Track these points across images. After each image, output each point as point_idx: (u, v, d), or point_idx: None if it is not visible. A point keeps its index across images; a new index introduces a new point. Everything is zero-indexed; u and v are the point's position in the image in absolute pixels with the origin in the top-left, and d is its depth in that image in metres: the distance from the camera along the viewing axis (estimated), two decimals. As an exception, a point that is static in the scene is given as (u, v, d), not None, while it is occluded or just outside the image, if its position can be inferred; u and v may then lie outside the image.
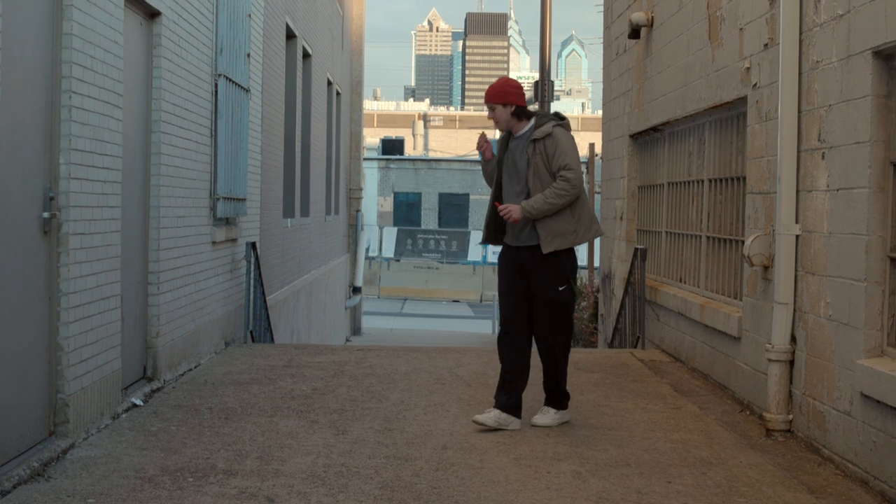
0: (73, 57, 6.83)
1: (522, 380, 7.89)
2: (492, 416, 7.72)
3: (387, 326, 34.50)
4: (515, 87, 8.04)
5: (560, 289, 7.85)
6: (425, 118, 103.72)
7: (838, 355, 6.92)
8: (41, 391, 6.67)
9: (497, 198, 8.03)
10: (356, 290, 29.53)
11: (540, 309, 7.86)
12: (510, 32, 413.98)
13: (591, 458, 7.00)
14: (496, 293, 35.45)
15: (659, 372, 10.52)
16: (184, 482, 6.21)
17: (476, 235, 55.30)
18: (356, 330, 30.18)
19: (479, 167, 46.63)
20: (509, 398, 7.79)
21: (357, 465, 6.65)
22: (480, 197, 59.02)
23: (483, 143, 8.06)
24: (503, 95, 7.94)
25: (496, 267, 8.40)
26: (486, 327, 36.07)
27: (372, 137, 71.55)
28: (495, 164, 8.12)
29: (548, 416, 7.95)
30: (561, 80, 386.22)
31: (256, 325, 13.01)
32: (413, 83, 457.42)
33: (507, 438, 7.47)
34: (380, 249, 56.98)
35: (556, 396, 8.01)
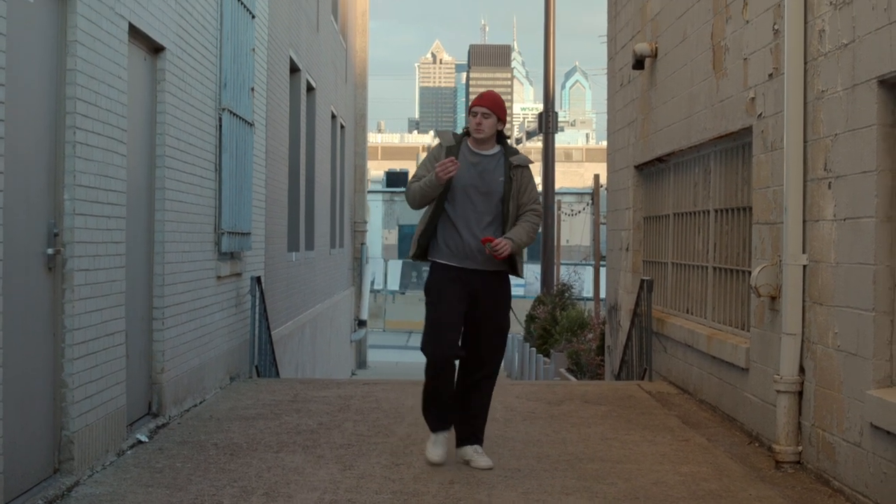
0: (77, 92, 6.83)
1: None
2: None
3: (392, 360, 34.49)
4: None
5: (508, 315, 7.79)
6: (430, 150, 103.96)
7: (847, 386, 6.87)
8: (46, 428, 6.63)
9: (440, 214, 7.51)
10: (361, 324, 29.52)
11: (489, 336, 7.58)
12: (514, 64, 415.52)
13: (600, 491, 6.95)
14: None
15: (666, 404, 10.47)
16: (189, 519, 6.16)
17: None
18: (361, 363, 30.14)
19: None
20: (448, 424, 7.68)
21: (364, 501, 6.61)
22: (485, 229, 59.02)
23: (452, 165, 7.33)
24: (502, 110, 7.59)
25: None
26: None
27: (376, 170, 71.73)
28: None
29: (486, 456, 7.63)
30: (565, 110, 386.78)
31: (261, 359, 12.98)
32: (417, 115, 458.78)
33: (515, 473, 7.42)
34: (385, 282, 56.99)
35: (482, 430, 7.78)
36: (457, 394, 7.61)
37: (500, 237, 7.38)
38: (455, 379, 7.57)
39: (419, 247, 7.62)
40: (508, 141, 7.81)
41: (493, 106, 7.53)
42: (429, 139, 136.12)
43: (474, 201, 7.49)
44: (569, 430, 9.05)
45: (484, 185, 7.50)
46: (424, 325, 7.50)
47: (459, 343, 7.53)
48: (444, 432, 7.62)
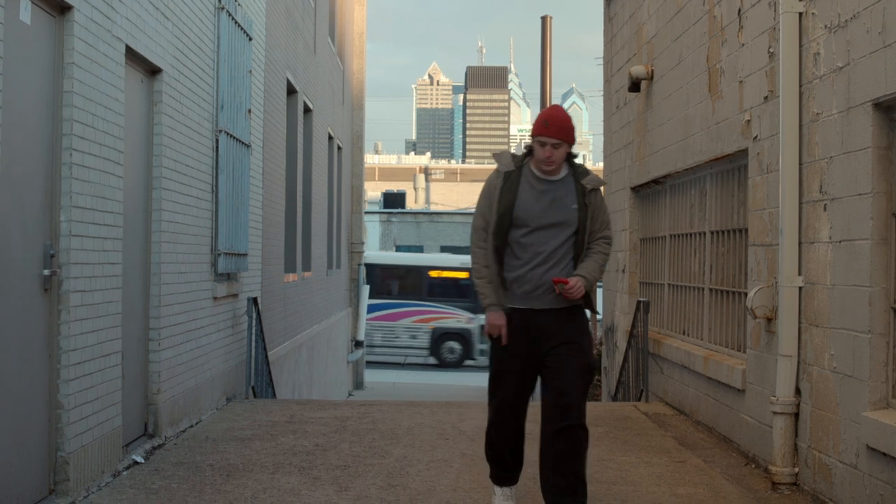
0: (74, 114, 6.85)
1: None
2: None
3: (389, 380, 34.38)
4: None
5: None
6: (426, 171, 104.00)
7: (843, 408, 6.87)
8: (41, 449, 6.62)
9: (501, 249, 6.50)
10: (358, 344, 29.45)
11: (568, 375, 6.40)
12: (510, 85, 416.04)
13: (596, 513, 6.94)
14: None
15: (663, 425, 10.46)
16: (185, 541, 6.15)
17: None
18: (358, 384, 30.07)
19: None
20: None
21: (359, 523, 6.59)
22: (482, 250, 58.82)
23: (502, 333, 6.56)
24: (573, 133, 6.52)
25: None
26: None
27: (373, 191, 71.66)
28: (498, 209, 6.52)
29: None
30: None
31: (258, 380, 12.96)
32: (414, 137, 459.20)
33: (511, 494, 7.40)
34: (382, 303, 56.79)
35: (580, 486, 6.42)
36: (541, 448, 6.45)
37: (571, 275, 6.45)
38: (519, 437, 6.66)
39: (495, 292, 6.56)
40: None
41: (566, 135, 6.44)
42: (426, 160, 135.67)
43: (544, 235, 6.47)
44: (565, 451, 9.03)
45: (556, 215, 6.47)
46: (489, 373, 6.70)
47: (528, 399, 6.63)
48: (508, 488, 6.81)
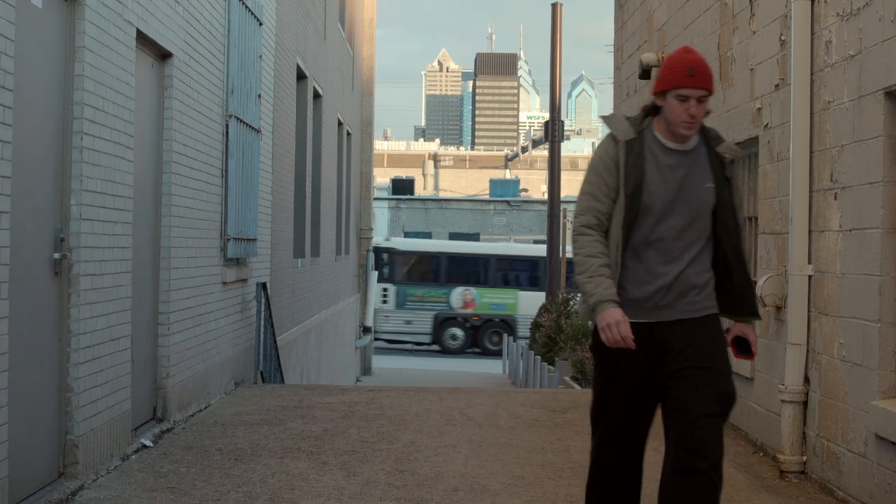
0: (85, 98, 6.85)
1: None
2: None
3: (397, 366, 34.44)
4: None
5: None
6: (435, 158, 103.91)
7: (852, 396, 6.87)
8: (51, 432, 6.64)
9: (625, 243, 4.96)
10: (366, 330, 29.49)
11: (705, 406, 5.06)
12: (520, 72, 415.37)
13: (604, 500, 6.93)
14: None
15: (671, 413, 10.44)
16: (193, 525, 6.16)
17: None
18: (366, 370, 30.11)
19: (489, 206, 43.99)
20: None
21: (368, 508, 6.60)
22: (491, 237, 58.95)
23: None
24: (712, 78, 4.99)
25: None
26: (497, 367, 36.01)
27: (382, 177, 71.68)
28: (625, 190, 4.95)
29: None
30: (571, 119, 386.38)
31: (266, 365, 12.98)
32: (423, 123, 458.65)
33: (520, 480, 7.42)
34: (390, 289, 56.86)
35: None
36: (661, 492, 5.29)
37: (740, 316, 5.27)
38: (635, 483, 5.53)
39: (607, 277, 4.95)
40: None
41: (712, 84, 4.96)
42: (435, 147, 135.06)
43: (675, 224, 4.99)
44: (573, 437, 9.05)
45: (690, 196, 5.00)
46: (593, 398, 5.32)
47: (646, 436, 5.42)
48: None
